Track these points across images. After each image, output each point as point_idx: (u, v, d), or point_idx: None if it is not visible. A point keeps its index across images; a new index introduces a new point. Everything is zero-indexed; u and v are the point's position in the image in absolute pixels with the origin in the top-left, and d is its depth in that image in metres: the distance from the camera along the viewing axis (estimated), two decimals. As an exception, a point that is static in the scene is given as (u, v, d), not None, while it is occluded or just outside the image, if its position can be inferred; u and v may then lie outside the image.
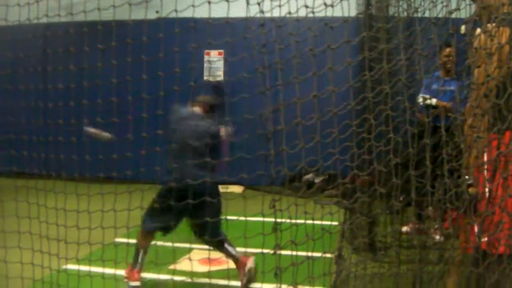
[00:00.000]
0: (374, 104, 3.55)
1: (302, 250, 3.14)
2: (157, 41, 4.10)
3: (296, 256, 3.09)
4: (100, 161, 4.26)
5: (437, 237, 4.92)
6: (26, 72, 5.26)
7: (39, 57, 5.60)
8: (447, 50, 6.01)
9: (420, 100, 5.80)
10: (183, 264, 4.78)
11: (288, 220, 3.10)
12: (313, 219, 3.26)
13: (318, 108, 3.23)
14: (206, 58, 9.89)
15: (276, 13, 3.58)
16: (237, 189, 9.23)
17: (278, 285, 3.11)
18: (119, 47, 4.14)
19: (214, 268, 4.76)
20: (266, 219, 3.14)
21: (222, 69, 9.80)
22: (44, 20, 4.71)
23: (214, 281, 3.95)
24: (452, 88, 6.01)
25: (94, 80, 4.40)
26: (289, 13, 3.49)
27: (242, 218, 3.43)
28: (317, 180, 8.82)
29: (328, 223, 3.43)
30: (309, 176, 8.93)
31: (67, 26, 5.15)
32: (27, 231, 4.22)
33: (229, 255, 4.71)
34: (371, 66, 3.89)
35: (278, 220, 3.05)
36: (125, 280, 4.63)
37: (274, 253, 3.03)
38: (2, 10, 4.96)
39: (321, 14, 3.46)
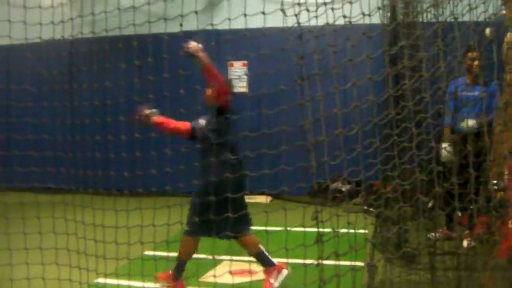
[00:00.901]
0: (414, 113, 3.54)
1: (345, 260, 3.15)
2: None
3: (339, 266, 3.09)
4: (138, 176, 4.33)
5: (466, 243, 4.84)
6: (53, 88, 5.35)
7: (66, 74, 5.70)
8: (473, 54, 5.72)
9: (464, 125, 5.50)
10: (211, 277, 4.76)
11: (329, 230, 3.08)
12: (354, 229, 3.30)
13: (353, 118, 3.24)
14: (229, 70, 9.87)
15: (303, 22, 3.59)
16: (263, 199, 9.20)
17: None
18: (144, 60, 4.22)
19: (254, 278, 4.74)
20: (308, 229, 3.17)
21: (246, 80, 9.76)
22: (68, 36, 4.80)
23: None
24: (476, 93, 5.69)
25: (124, 95, 4.47)
26: (328, 23, 3.50)
27: (279, 228, 3.41)
28: (344, 189, 8.77)
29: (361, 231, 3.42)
30: (337, 184, 8.89)
31: (91, 42, 5.25)
32: (64, 248, 4.28)
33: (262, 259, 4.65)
34: (406, 74, 3.87)
35: (321, 230, 3.02)
36: None
37: (318, 265, 3.01)
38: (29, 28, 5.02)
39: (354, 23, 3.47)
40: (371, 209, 5.68)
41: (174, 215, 3.92)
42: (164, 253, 3.98)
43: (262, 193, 8.82)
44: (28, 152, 5.00)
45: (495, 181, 3.46)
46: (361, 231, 3.84)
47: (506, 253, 3.13)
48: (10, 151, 5.83)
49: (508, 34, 3.44)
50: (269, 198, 9.31)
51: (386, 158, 3.90)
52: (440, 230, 5.42)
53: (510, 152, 3.14)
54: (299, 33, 3.28)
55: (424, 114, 3.67)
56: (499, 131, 3.31)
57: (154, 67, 4.24)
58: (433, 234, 4.44)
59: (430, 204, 4.00)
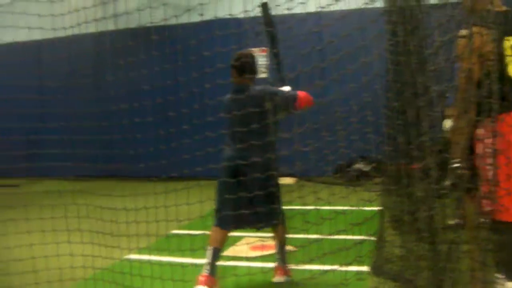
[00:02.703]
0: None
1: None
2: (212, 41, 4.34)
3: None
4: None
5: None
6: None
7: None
8: None
9: None
10: (234, 251, 5.01)
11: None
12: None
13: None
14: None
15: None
16: (289, 180, 9.36)
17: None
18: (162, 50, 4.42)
19: (265, 253, 5.07)
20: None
21: (266, 66, 9.94)
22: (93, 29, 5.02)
23: (265, 264, 4.13)
24: None
25: (149, 83, 4.67)
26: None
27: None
28: (366, 169, 8.94)
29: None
30: (359, 165, 9.06)
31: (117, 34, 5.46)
32: (99, 230, 4.57)
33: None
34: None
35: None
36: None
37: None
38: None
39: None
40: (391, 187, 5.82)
41: (193, 197, 4.15)
42: (187, 231, 4.24)
43: (289, 175, 9.01)
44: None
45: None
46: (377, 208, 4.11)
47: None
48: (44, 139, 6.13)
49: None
50: (294, 179, 9.48)
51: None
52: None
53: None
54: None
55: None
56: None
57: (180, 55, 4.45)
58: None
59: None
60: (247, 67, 4.45)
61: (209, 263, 4.33)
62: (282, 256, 4.61)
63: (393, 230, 4.28)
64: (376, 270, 4.17)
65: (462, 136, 3.44)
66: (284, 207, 4.45)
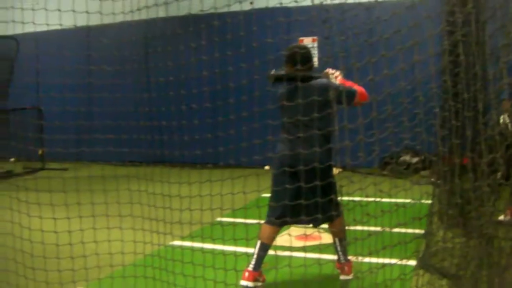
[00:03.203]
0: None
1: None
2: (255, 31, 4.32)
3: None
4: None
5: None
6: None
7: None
8: None
9: None
10: (281, 240, 4.99)
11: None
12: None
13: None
14: (301, 45, 9.99)
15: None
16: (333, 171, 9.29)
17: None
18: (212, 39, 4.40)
19: (309, 243, 5.02)
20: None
21: (316, 55, 9.88)
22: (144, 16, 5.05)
23: (309, 255, 4.11)
24: None
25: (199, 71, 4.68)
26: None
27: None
28: (414, 161, 8.79)
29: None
30: (406, 157, 8.92)
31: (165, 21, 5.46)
32: (140, 216, 4.62)
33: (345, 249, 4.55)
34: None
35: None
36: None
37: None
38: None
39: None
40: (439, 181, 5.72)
41: (238, 186, 4.14)
42: (231, 219, 4.25)
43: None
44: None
45: None
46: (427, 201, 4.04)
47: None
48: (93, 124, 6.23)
49: None
50: (338, 170, 9.40)
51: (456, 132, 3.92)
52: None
53: None
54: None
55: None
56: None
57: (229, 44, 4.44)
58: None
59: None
60: (310, 57, 4.53)
61: (255, 258, 4.39)
62: (343, 251, 4.54)
63: (442, 224, 4.21)
64: (424, 265, 4.10)
65: None
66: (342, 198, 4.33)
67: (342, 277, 4.56)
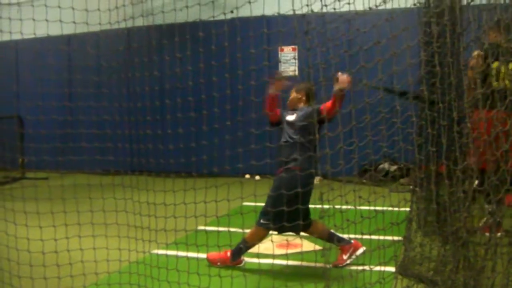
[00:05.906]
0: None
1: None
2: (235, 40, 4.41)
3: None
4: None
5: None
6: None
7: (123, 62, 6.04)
8: None
9: None
10: (262, 248, 5.07)
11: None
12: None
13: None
14: (279, 54, 10.10)
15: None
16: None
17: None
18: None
19: (290, 251, 5.06)
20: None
21: (295, 64, 9.99)
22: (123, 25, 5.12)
23: (290, 262, 4.20)
24: None
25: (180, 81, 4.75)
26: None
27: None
28: (392, 169, 8.94)
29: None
30: (384, 165, 9.07)
31: (147, 30, 5.50)
32: (125, 224, 4.70)
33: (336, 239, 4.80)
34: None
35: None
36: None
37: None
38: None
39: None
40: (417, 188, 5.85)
41: (221, 194, 4.23)
42: (215, 228, 4.38)
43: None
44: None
45: None
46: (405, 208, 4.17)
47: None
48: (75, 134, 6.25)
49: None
50: (319, 178, 9.51)
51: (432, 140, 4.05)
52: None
53: None
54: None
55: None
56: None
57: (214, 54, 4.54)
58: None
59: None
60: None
61: (237, 251, 4.83)
62: (339, 239, 4.78)
63: (420, 231, 4.35)
64: (403, 271, 4.22)
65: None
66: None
67: (358, 252, 4.78)
